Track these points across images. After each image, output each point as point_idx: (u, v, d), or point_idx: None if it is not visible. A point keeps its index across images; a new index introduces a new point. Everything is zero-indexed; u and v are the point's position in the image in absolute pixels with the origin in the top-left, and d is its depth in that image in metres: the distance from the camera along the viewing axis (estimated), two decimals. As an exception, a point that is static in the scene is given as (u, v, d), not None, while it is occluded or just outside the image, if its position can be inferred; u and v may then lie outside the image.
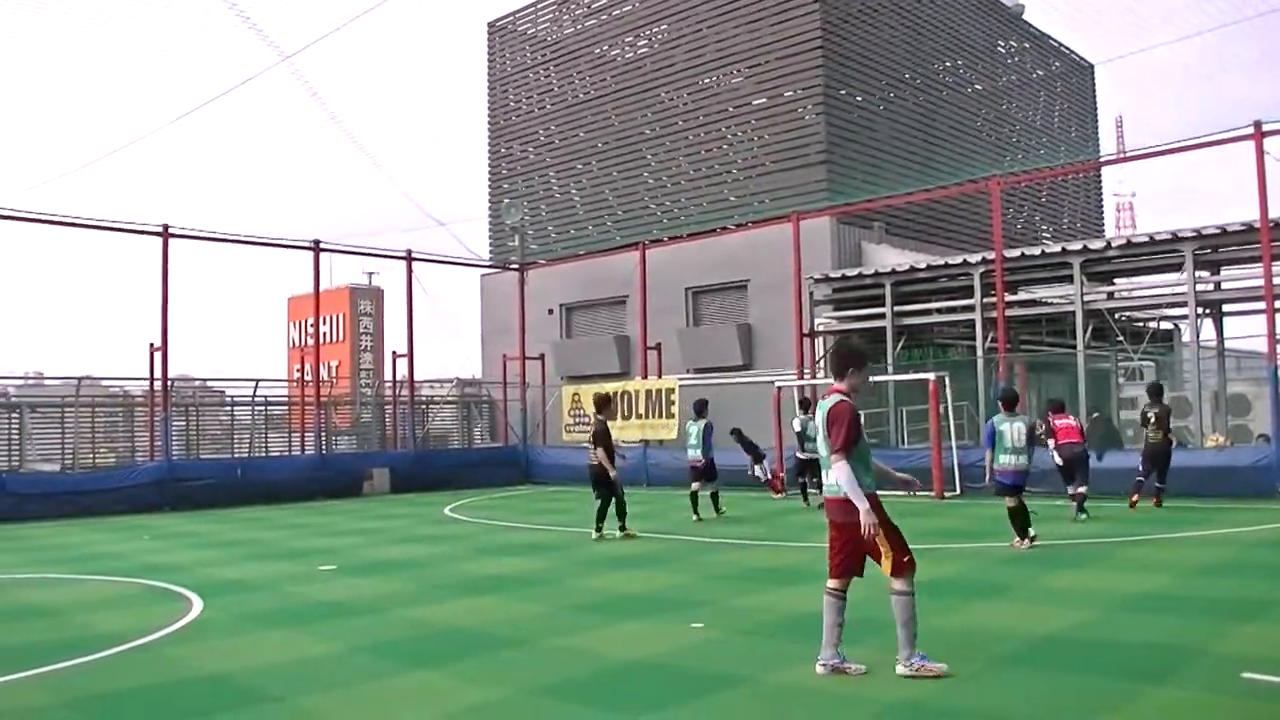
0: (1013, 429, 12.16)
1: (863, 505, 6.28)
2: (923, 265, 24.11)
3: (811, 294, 25.57)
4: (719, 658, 7.16)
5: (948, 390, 20.31)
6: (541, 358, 30.55)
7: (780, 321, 26.22)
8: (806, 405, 19.68)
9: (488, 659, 7.34)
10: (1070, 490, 15.23)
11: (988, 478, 12.68)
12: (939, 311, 24.04)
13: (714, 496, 17.28)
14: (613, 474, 14.36)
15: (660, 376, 26.66)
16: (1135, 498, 15.91)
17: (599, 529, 14.30)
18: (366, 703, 6.28)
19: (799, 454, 18.99)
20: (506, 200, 34.81)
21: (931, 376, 19.84)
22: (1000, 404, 12.70)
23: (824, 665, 6.50)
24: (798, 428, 19.06)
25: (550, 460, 27.38)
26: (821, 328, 25.99)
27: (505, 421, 30.48)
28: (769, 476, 21.15)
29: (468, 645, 7.78)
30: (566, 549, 13.41)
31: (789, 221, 24.49)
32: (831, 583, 6.54)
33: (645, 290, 26.80)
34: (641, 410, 25.49)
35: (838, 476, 6.41)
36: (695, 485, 17.16)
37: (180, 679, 7.01)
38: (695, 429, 17.48)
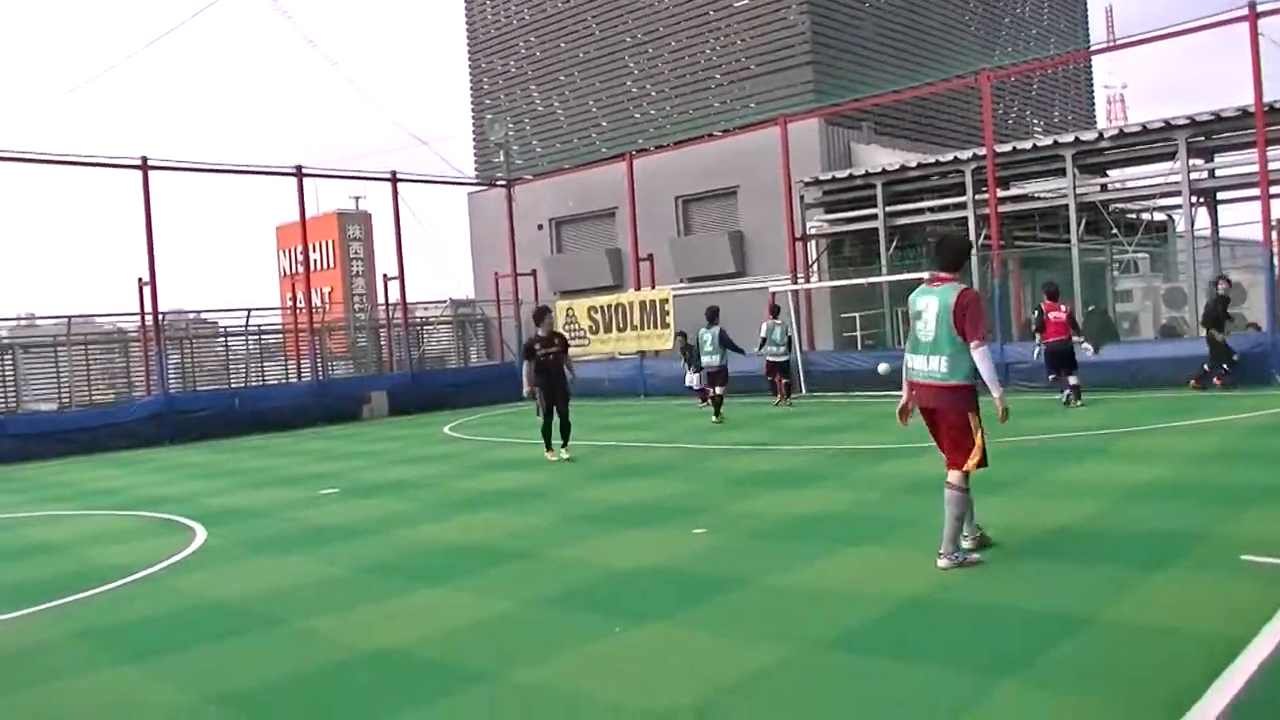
0: None
1: (997, 391, 6.42)
2: (913, 164, 23.82)
3: (802, 197, 25.32)
4: (723, 562, 7.19)
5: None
6: (533, 274, 30.37)
7: (772, 227, 26.00)
8: (777, 311, 19.78)
9: (492, 573, 7.37)
10: (1056, 380, 15.56)
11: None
12: (931, 210, 23.85)
13: (718, 402, 17.50)
14: (525, 390, 13.85)
15: (654, 287, 26.52)
16: (1216, 381, 16.28)
17: (560, 445, 13.67)
18: (371, 622, 6.30)
19: (768, 357, 19.25)
20: (490, 116, 34.24)
21: (926, 276, 19.74)
22: None
23: (968, 539, 6.72)
24: (764, 333, 19.21)
25: (547, 376, 27.28)
26: (813, 231, 25.79)
27: (500, 339, 30.41)
28: (701, 386, 21.01)
29: (471, 561, 7.80)
30: (567, 462, 13.41)
31: (776, 125, 24.11)
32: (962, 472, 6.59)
33: (634, 201, 26.50)
34: (636, 322, 25.37)
35: (980, 365, 6.40)
36: (718, 390, 17.47)
37: (186, 607, 7.05)
38: (710, 335, 17.72)
